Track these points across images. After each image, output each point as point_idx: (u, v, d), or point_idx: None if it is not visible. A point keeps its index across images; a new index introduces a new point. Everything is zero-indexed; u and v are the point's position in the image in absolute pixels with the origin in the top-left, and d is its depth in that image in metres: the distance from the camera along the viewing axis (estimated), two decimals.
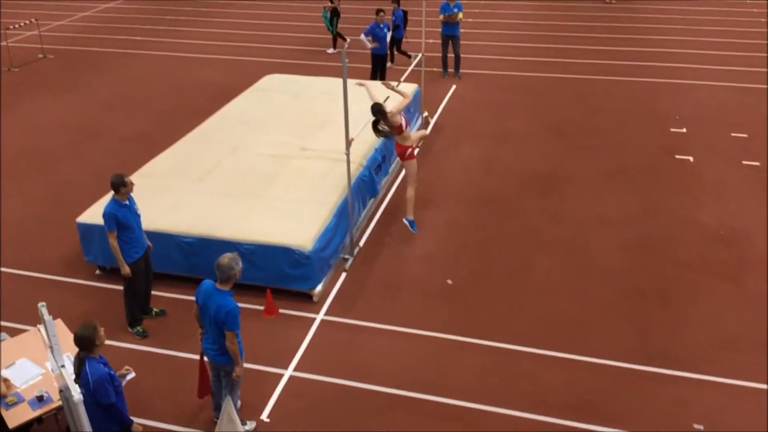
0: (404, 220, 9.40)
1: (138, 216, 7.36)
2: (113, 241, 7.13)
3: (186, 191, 9.07)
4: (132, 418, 5.48)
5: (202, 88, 15.14)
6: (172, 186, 9.19)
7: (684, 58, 16.49)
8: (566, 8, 21.64)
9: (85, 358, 5.15)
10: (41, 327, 5.50)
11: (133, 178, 7.97)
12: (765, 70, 15.48)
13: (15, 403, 5.86)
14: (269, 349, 7.35)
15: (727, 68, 15.69)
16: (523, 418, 6.45)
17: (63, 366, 5.19)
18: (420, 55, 12.51)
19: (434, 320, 7.75)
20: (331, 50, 17.56)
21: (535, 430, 6.34)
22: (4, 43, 18.01)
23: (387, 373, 7.00)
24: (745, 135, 12.18)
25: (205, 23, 20.82)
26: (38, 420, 5.83)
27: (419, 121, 12.42)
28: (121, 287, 7.66)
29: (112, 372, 5.24)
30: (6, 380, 6.02)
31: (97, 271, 8.71)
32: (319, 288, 8.18)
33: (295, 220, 8.33)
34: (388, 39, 14.62)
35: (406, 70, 12.04)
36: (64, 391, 5.41)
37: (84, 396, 5.00)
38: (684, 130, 12.49)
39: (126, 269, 7.24)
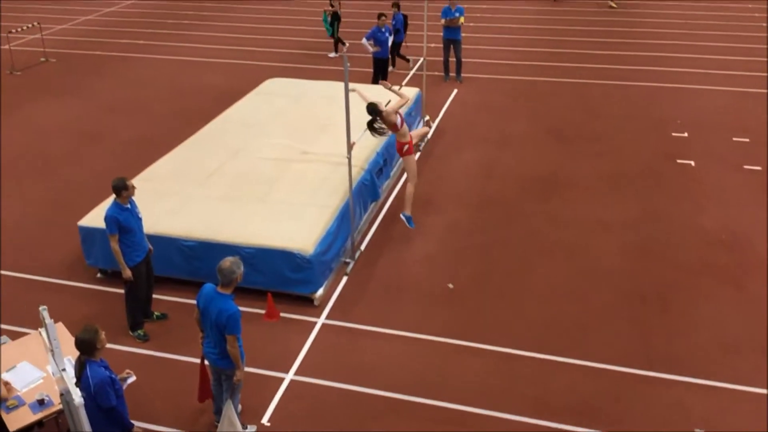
0: (401, 216, 9.46)
1: (139, 219, 7.37)
2: (115, 245, 7.13)
3: (187, 195, 9.08)
4: (133, 421, 5.47)
5: (203, 92, 15.17)
6: (173, 190, 9.20)
7: (685, 62, 16.50)
8: (567, 13, 21.66)
9: (86, 362, 5.15)
10: (42, 330, 5.49)
11: (135, 181, 7.97)
12: (766, 74, 15.47)
13: (16, 407, 5.86)
14: (270, 352, 7.34)
15: (728, 73, 15.70)
16: (524, 422, 6.44)
17: (64, 369, 5.19)
18: (421, 59, 12.53)
19: (435, 324, 7.74)
20: (332, 54, 17.58)
21: None
22: (6, 47, 18.06)
23: (388, 377, 6.99)
24: (746, 139, 12.18)
25: (207, 27, 20.86)
26: (39, 423, 5.83)
27: (420, 125, 12.42)
28: (122, 291, 7.66)
29: (113, 375, 5.24)
30: (7, 383, 6.02)
31: (99, 275, 8.72)
32: (320, 292, 8.18)
33: (297, 224, 8.34)
34: (390, 43, 14.63)
35: (408, 74, 12.06)
36: (65, 395, 5.41)
37: (85, 399, 5.00)
38: (685, 134, 12.50)
39: (127, 273, 7.25)
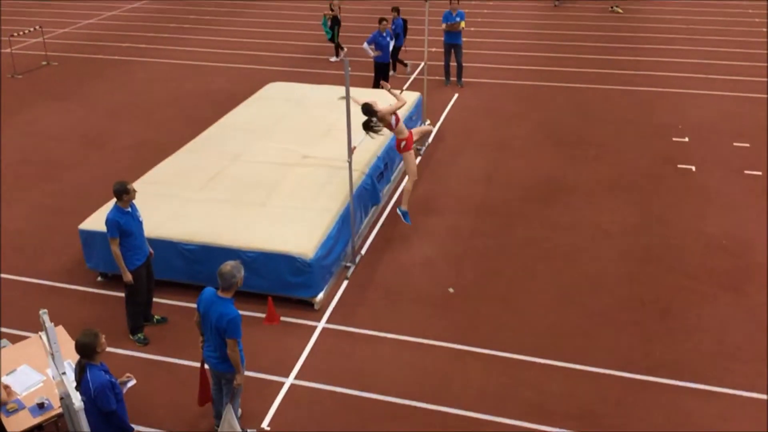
0: (398, 210, 9.53)
1: (140, 223, 7.37)
2: (115, 248, 7.14)
3: (188, 199, 9.08)
4: (132, 425, 5.47)
5: (205, 96, 15.19)
6: (174, 193, 9.21)
7: (686, 67, 16.52)
8: (568, 17, 21.70)
9: (86, 365, 5.14)
10: (42, 334, 5.50)
11: (136, 185, 7.99)
12: (766, 79, 15.49)
13: (15, 410, 5.86)
14: (270, 357, 7.34)
15: (729, 78, 15.72)
16: (524, 427, 6.43)
17: (64, 373, 5.19)
18: (422, 63, 12.55)
19: (436, 329, 7.74)
20: (333, 58, 17.62)
21: None
22: (8, 50, 18.09)
23: (388, 382, 6.98)
24: (747, 144, 12.18)
25: (208, 31, 20.90)
26: (39, 427, 5.82)
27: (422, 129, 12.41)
28: (122, 294, 7.66)
29: (113, 379, 5.24)
30: (7, 387, 6.01)
31: (99, 278, 8.72)
32: (320, 296, 8.17)
33: (297, 228, 8.34)
34: (391, 48, 14.66)
35: (409, 78, 12.08)
36: (64, 399, 5.41)
37: (85, 403, 5.00)
38: (686, 139, 12.50)
39: (128, 276, 7.25)
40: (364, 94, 10.83)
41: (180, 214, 8.68)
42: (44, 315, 5.19)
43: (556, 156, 11.95)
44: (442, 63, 15.53)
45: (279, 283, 8.06)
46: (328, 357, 7.37)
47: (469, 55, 16.79)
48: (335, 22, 17.24)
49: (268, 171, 9.79)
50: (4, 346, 6.84)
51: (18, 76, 16.97)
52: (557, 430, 6.39)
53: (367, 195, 9.77)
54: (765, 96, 14.49)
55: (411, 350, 7.45)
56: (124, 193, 7.12)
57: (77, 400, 4.95)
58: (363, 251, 9.27)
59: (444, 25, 14.99)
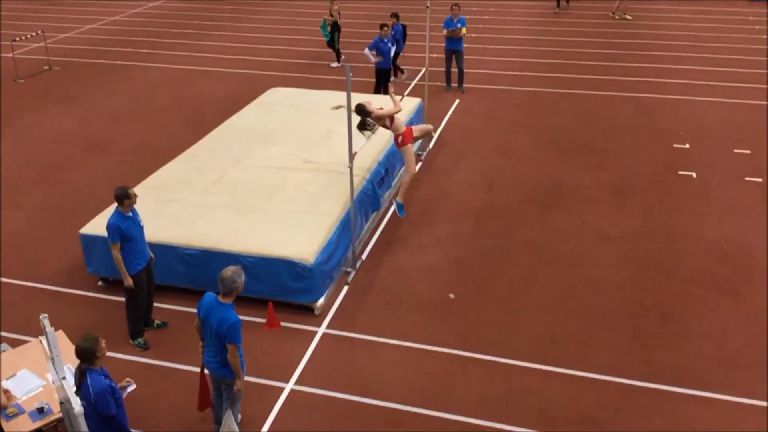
0: (394, 201, 9.71)
1: (141, 228, 7.37)
2: (116, 253, 7.14)
3: (189, 203, 9.09)
4: (132, 430, 5.46)
5: (206, 101, 15.22)
6: (175, 198, 9.22)
7: (687, 74, 16.54)
8: (569, 24, 21.74)
9: (86, 370, 5.14)
10: (43, 338, 5.50)
11: (137, 189, 7.99)
12: (766, 86, 15.50)
13: (15, 415, 5.85)
14: (270, 362, 7.33)
15: (730, 84, 15.73)
16: None
17: (64, 378, 5.19)
18: (423, 69, 12.56)
19: (436, 334, 7.73)
20: (335, 64, 17.65)
21: None
22: (10, 55, 18.14)
23: (389, 388, 6.98)
24: (747, 151, 12.19)
25: (210, 36, 20.95)
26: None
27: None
28: (122, 299, 7.66)
29: (113, 384, 5.23)
30: (6, 391, 6.01)
31: (100, 283, 8.72)
32: (320, 301, 8.17)
33: (298, 233, 8.34)
34: (392, 53, 14.69)
35: (411, 84, 12.10)
36: (64, 403, 5.40)
37: (85, 408, 4.99)
38: (687, 145, 12.51)
39: (129, 281, 7.25)
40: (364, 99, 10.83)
41: (181, 219, 8.68)
42: (45, 319, 5.19)
43: (558, 161, 11.96)
44: (443, 69, 15.56)
45: (279, 288, 8.06)
46: (328, 362, 7.37)
47: (471, 61, 16.81)
48: (335, 28, 17.28)
49: (269, 176, 9.80)
50: (4, 350, 6.83)
51: (20, 80, 17.01)
52: None
53: (367, 200, 9.78)
54: (765, 103, 14.51)
55: (412, 356, 7.44)
56: (125, 197, 7.13)
57: (77, 404, 4.95)
58: (363, 256, 9.27)
59: (445, 32, 15.01)
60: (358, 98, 9.65)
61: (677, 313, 8.02)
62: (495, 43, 19.48)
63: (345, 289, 8.59)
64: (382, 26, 14.36)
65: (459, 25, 14.90)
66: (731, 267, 8.86)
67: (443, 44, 15.30)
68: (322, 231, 8.42)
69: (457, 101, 15.00)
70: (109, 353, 5.98)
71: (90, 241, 8.46)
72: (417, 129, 10.14)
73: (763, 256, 9.02)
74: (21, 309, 8.25)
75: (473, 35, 19.50)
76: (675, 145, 12.52)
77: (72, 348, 5.41)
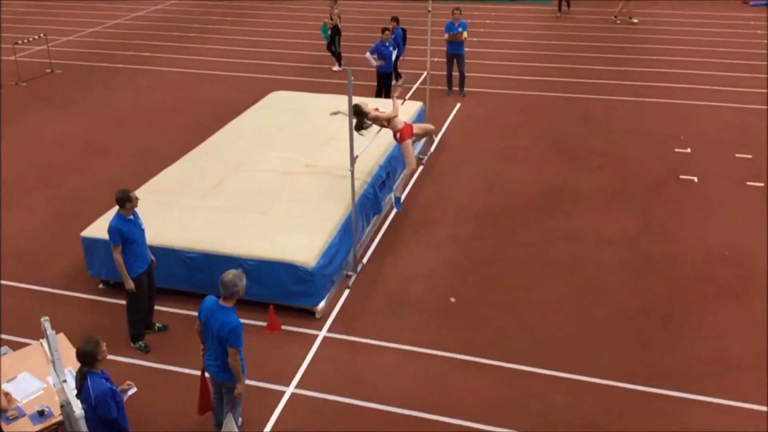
0: (392, 195, 9.97)
1: (142, 231, 7.38)
2: (118, 256, 7.14)
3: (191, 207, 9.09)
4: None
5: (208, 104, 15.23)
6: (176, 201, 9.22)
7: (689, 78, 16.54)
8: (571, 28, 21.76)
9: (87, 373, 5.14)
10: (43, 341, 5.49)
11: (138, 193, 8.00)
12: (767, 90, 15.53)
13: (16, 418, 5.85)
14: (271, 365, 7.32)
15: (732, 89, 15.73)
16: None
17: (65, 380, 5.19)
18: (425, 73, 12.58)
19: (437, 338, 7.72)
20: (336, 68, 17.67)
21: None
22: (12, 58, 18.17)
23: (389, 392, 6.97)
24: (749, 156, 12.19)
25: (213, 40, 20.98)
26: None
27: (423, 139, 12.45)
28: (124, 302, 7.66)
29: (114, 387, 5.23)
30: (7, 394, 6.01)
31: (101, 285, 8.72)
32: (321, 305, 8.17)
33: (299, 237, 8.34)
34: (394, 57, 14.70)
35: (412, 87, 12.11)
36: (65, 406, 5.40)
37: (86, 411, 4.99)
38: (688, 150, 12.51)
39: (130, 284, 7.25)
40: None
41: (182, 222, 8.69)
42: (45, 322, 5.19)
43: (559, 165, 11.96)
44: (445, 73, 15.57)
45: (280, 291, 8.06)
46: (329, 366, 7.36)
47: (472, 65, 16.83)
48: (335, 32, 17.31)
49: (271, 179, 9.80)
50: (4, 353, 6.83)
51: (22, 83, 17.03)
52: None
53: (368, 204, 9.78)
54: (767, 108, 14.50)
55: (412, 360, 7.43)
56: (126, 200, 7.13)
57: (78, 407, 4.95)
58: (364, 260, 9.26)
59: (446, 36, 15.03)
60: (358, 101, 9.70)
61: (679, 317, 8.01)
62: (496, 47, 19.51)
63: (346, 292, 8.59)
64: (383, 30, 14.39)
65: (460, 29, 14.92)
66: (732, 271, 8.85)
67: (444, 48, 15.32)
68: (323, 234, 8.42)
69: (459, 105, 15.01)
70: (109, 356, 5.97)
71: (91, 243, 8.46)
72: (417, 127, 10.28)
73: (765, 261, 9.01)
74: (22, 311, 8.25)
75: (474, 39, 19.52)
76: (676, 150, 12.52)
77: (73, 351, 5.42)
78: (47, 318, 5.19)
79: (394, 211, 10.45)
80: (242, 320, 5.85)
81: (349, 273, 8.88)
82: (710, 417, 6.60)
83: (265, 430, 6.53)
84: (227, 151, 10.78)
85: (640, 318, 8.01)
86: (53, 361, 5.25)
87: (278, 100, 13.20)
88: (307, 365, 7.36)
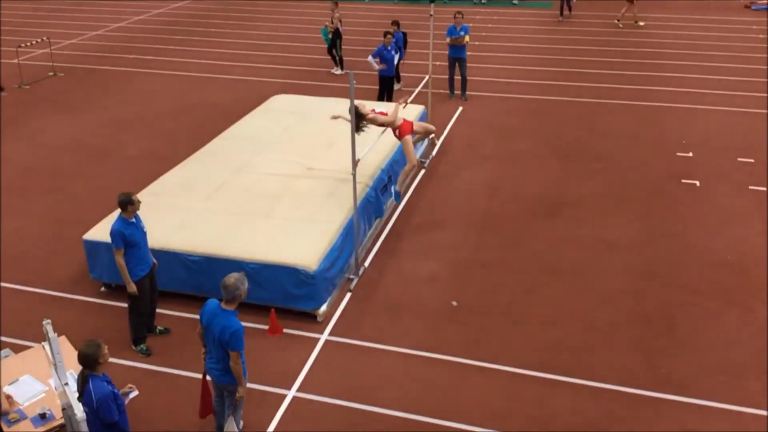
0: (391, 188, 10.22)
1: (144, 234, 7.38)
2: (120, 259, 7.15)
3: (193, 210, 9.10)
4: None
5: (210, 107, 15.25)
6: (178, 204, 9.23)
7: (691, 82, 16.55)
8: (573, 32, 21.78)
9: (88, 376, 5.14)
10: (45, 344, 5.50)
11: (140, 196, 8.00)
12: None
13: (17, 420, 5.86)
14: (272, 369, 7.32)
15: (733, 93, 15.73)
16: None
17: (66, 383, 5.19)
18: (427, 77, 12.59)
19: (439, 342, 7.71)
20: (338, 71, 17.69)
21: None
22: (15, 61, 18.21)
23: (391, 396, 6.96)
24: (751, 160, 12.18)
25: (215, 43, 21.02)
26: None
27: (425, 143, 12.46)
28: (125, 305, 7.67)
29: (116, 390, 5.23)
30: (9, 397, 6.01)
31: (102, 288, 8.73)
32: (323, 308, 8.16)
33: (301, 240, 8.34)
34: (396, 61, 14.73)
35: (414, 91, 12.11)
36: (67, 409, 5.40)
37: (87, 414, 4.99)
38: (690, 154, 12.50)
39: (132, 287, 7.25)
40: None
41: (184, 225, 8.69)
42: (47, 325, 5.19)
43: (561, 170, 11.95)
44: (447, 76, 15.58)
45: (282, 294, 8.06)
46: (330, 369, 7.35)
47: (474, 68, 16.85)
48: (336, 35, 17.34)
49: (273, 183, 9.81)
50: (6, 356, 6.84)
51: (25, 86, 17.07)
52: None
53: (370, 207, 9.78)
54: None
55: (414, 363, 7.43)
56: (128, 203, 7.14)
57: (79, 410, 4.95)
58: (366, 263, 9.26)
59: (448, 39, 15.05)
60: (356, 103, 9.72)
61: (681, 322, 8.00)
62: (498, 51, 19.53)
63: (348, 296, 8.58)
64: (385, 34, 14.42)
65: (462, 33, 14.94)
66: (735, 276, 8.84)
67: (446, 52, 15.34)
68: (325, 238, 8.42)
69: (460, 109, 15.02)
70: (111, 359, 5.97)
71: (93, 247, 8.47)
72: (418, 124, 10.40)
73: (767, 266, 8.99)
74: (24, 314, 8.25)
75: (476, 43, 19.54)
76: (678, 154, 12.51)
77: (74, 354, 5.42)
78: (49, 321, 5.19)
79: (396, 214, 10.46)
80: (244, 323, 5.84)
81: (351, 276, 8.88)
82: (713, 422, 6.58)
83: None
84: (229, 155, 10.79)
85: (642, 323, 7.99)
86: (55, 364, 5.25)
87: (280, 104, 13.21)
88: (309, 369, 7.35)
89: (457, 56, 15.18)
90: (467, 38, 15.05)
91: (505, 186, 11.40)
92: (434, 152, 12.69)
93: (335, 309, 8.33)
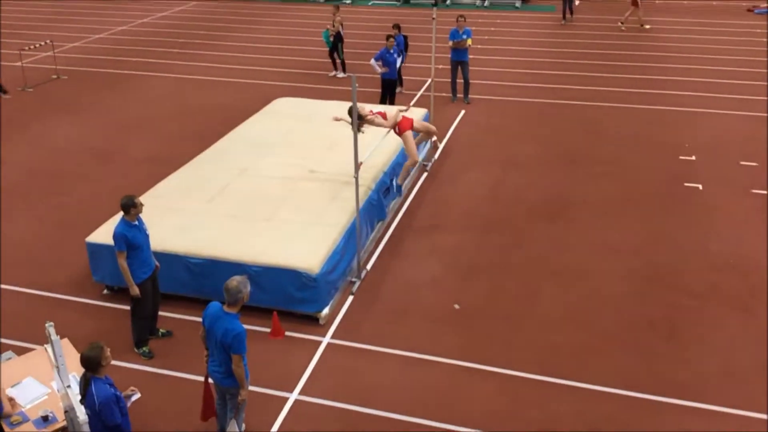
0: (393, 181, 10.42)
1: (147, 237, 7.40)
2: (122, 262, 7.16)
3: (195, 213, 9.11)
4: None
5: (213, 111, 15.28)
6: (181, 207, 9.24)
7: (693, 86, 16.54)
8: (575, 35, 21.78)
9: (91, 379, 5.15)
10: (48, 346, 5.51)
11: (143, 199, 8.01)
12: None
13: (20, 423, 5.86)
14: (274, 372, 7.32)
15: (737, 97, 15.71)
16: None
17: (69, 386, 5.20)
18: (429, 80, 12.59)
19: (441, 346, 7.71)
20: (341, 74, 17.71)
21: None
22: (18, 64, 18.26)
23: (393, 399, 6.95)
24: (754, 163, 12.16)
25: (218, 47, 21.07)
26: None
27: (428, 146, 12.47)
28: (128, 307, 7.68)
29: (118, 393, 5.24)
30: (11, 399, 6.02)
31: (105, 291, 8.74)
32: (325, 311, 8.17)
33: (303, 243, 8.35)
34: (398, 64, 14.74)
35: (416, 94, 12.12)
36: (69, 412, 5.41)
37: (89, 417, 5.00)
38: (693, 157, 12.49)
39: (135, 290, 7.26)
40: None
41: (187, 228, 8.70)
42: (50, 327, 5.20)
43: (563, 173, 11.95)
44: (449, 80, 15.60)
45: (284, 297, 8.06)
46: (332, 372, 7.35)
47: (476, 72, 16.86)
48: (338, 39, 17.36)
49: (275, 186, 9.82)
50: (9, 358, 6.85)
51: (29, 89, 17.11)
52: None
53: (373, 210, 9.79)
54: None
55: (416, 367, 7.42)
56: (131, 206, 7.15)
57: (82, 413, 4.95)
58: (368, 266, 9.26)
59: (451, 43, 15.07)
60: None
61: (683, 326, 7.99)
62: (501, 54, 19.54)
63: (350, 299, 8.59)
64: (388, 37, 14.44)
65: (464, 37, 14.95)
66: (737, 280, 8.82)
67: (449, 55, 15.35)
68: (328, 241, 8.42)
69: (463, 112, 15.03)
70: (113, 362, 5.96)
71: (96, 249, 8.49)
72: (418, 122, 10.50)
73: None
74: (26, 317, 8.27)
75: (479, 46, 19.54)
76: (681, 157, 12.50)
77: (77, 356, 5.42)
78: (52, 323, 5.20)
79: (398, 217, 10.46)
80: (246, 326, 5.85)
81: (353, 279, 8.88)
82: (715, 426, 6.57)
83: None
84: (232, 158, 10.81)
85: (644, 326, 7.98)
86: (57, 367, 5.26)
87: (283, 107, 13.23)
88: (311, 372, 7.35)
89: (459, 59, 15.19)
90: (470, 42, 15.06)
91: (507, 189, 11.40)
92: (437, 155, 12.69)
93: (337, 312, 8.33)
